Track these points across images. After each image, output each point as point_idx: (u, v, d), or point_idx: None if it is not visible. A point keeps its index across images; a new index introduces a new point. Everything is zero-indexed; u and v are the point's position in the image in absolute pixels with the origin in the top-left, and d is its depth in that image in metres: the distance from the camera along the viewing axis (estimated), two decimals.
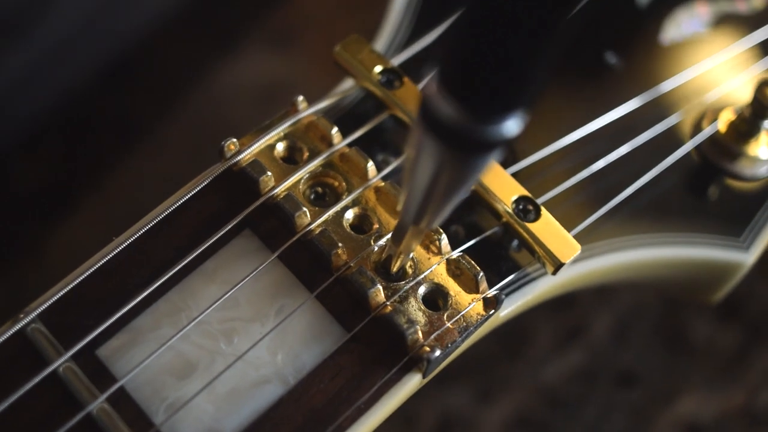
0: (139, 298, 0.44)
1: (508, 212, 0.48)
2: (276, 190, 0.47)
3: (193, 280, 0.45)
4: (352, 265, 0.46)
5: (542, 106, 0.54)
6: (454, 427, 0.70)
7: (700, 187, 0.54)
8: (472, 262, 0.46)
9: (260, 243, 0.46)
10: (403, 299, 0.45)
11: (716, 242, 0.52)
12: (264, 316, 0.45)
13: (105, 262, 0.45)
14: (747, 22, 0.58)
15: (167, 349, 0.44)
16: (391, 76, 0.51)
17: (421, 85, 0.51)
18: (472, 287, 0.46)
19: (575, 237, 0.48)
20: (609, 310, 0.74)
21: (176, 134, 0.81)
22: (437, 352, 0.44)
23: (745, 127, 0.54)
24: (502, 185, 0.48)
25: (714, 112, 0.55)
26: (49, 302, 0.44)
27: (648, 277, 0.54)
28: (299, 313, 0.45)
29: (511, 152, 0.52)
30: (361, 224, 0.48)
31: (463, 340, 0.45)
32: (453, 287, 0.46)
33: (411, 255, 0.46)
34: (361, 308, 0.45)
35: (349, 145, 0.49)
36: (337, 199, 0.48)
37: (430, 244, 0.47)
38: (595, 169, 0.52)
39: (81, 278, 0.44)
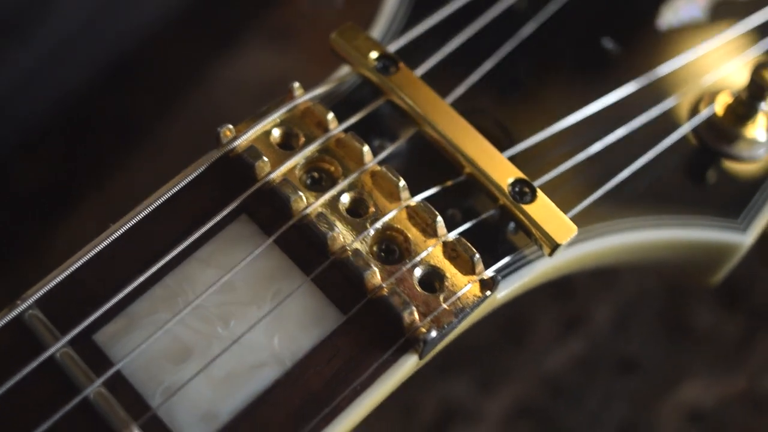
0: (135, 284, 0.44)
1: (504, 194, 0.48)
2: (272, 176, 0.47)
3: (189, 265, 0.45)
4: (348, 248, 0.46)
5: (540, 90, 0.54)
6: (454, 417, 0.70)
7: (697, 169, 0.54)
8: (468, 244, 0.46)
9: (257, 228, 0.46)
10: (399, 281, 0.45)
11: (714, 224, 0.52)
12: (260, 300, 0.45)
13: (102, 248, 0.45)
14: (744, 7, 0.58)
15: (164, 334, 0.44)
16: (387, 62, 0.51)
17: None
18: (468, 269, 0.46)
19: (572, 219, 0.48)
20: (610, 297, 0.74)
21: (176, 134, 0.81)
22: (433, 333, 0.44)
23: (742, 110, 0.54)
24: (498, 168, 0.48)
25: (711, 96, 0.55)
26: (46, 288, 0.44)
27: (646, 260, 0.54)
28: (296, 296, 0.45)
29: (507, 136, 0.52)
30: (357, 208, 0.47)
31: (459, 322, 0.45)
32: (449, 269, 0.46)
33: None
34: (358, 291, 0.45)
35: (345, 130, 0.49)
36: (333, 183, 0.48)
37: (426, 227, 0.47)
38: (592, 152, 0.52)
39: (78, 264, 0.45)
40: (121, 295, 0.44)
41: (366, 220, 0.47)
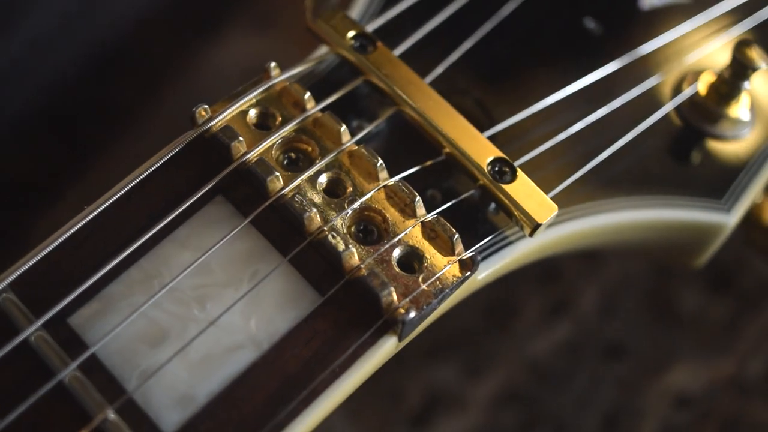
0: (110, 266, 0.44)
1: (483, 174, 0.47)
2: (248, 156, 0.46)
3: (165, 247, 0.45)
4: (325, 228, 0.45)
5: (521, 70, 0.54)
6: (441, 403, 0.69)
7: (681, 149, 0.53)
8: (448, 224, 0.46)
9: (233, 209, 0.46)
10: (378, 262, 0.45)
11: (697, 204, 0.52)
12: (237, 282, 0.44)
13: (76, 231, 0.45)
14: None
15: (139, 316, 0.43)
16: (364, 41, 0.50)
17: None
18: (447, 250, 0.46)
19: (553, 199, 0.47)
20: (596, 282, 0.73)
21: (160, 121, 0.81)
22: (412, 314, 0.43)
23: (725, 89, 0.53)
24: (478, 147, 0.48)
25: (694, 75, 0.54)
26: (20, 271, 0.43)
27: (629, 241, 0.53)
28: (273, 277, 0.44)
29: (487, 115, 0.51)
30: (335, 188, 0.47)
31: (439, 303, 0.45)
32: (428, 250, 0.46)
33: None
34: (335, 271, 0.44)
35: (323, 110, 0.48)
36: (311, 164, 0.47)
37: (405, 207, 0.46)
38: (574, 132, 0.51)
39: (51, 247, 0.44)
40: (96, 278, 0.43)
41: (344, 200, 0.46)
